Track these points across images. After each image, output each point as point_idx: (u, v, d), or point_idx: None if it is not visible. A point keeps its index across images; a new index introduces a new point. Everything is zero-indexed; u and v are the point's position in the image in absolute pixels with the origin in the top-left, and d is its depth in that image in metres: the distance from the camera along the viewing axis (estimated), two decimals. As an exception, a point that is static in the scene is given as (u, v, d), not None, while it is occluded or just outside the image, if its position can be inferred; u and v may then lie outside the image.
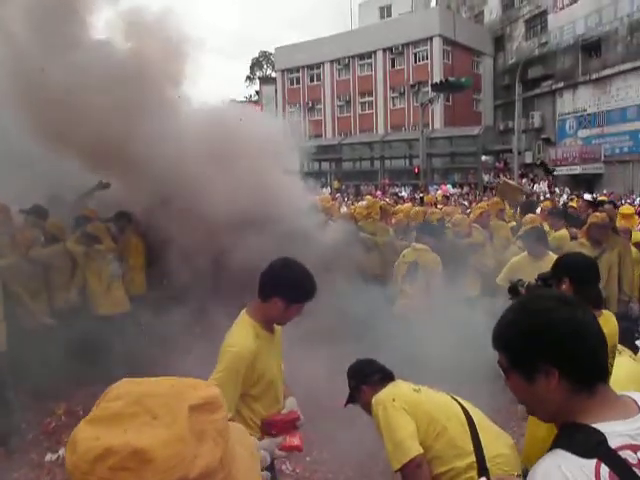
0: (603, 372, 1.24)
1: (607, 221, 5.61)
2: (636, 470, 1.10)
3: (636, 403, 1.23)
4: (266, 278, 2.52)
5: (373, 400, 2.64)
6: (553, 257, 5.15)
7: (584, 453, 1.12)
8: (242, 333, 2.50)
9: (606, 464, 1.10)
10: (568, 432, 1.21)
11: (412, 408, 2.52)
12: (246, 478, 0.81)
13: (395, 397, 2.58)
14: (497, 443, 2.53)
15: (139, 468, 0.68)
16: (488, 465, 2.40)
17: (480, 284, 6.00)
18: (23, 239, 5.40)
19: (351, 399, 2.91)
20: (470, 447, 2.45)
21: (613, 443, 1.13)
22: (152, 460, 0.68)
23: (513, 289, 2.97)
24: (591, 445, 1.13)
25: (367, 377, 2.82)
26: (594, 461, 1.10)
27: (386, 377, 2.83)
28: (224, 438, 0.77)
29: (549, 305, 1.28)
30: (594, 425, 1.16)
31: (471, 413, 2.59)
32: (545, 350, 1.23)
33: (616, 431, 1.14)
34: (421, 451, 2.40)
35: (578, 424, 1.19)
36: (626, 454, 1.11)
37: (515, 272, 5.21)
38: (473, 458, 2.43)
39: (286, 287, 2.46)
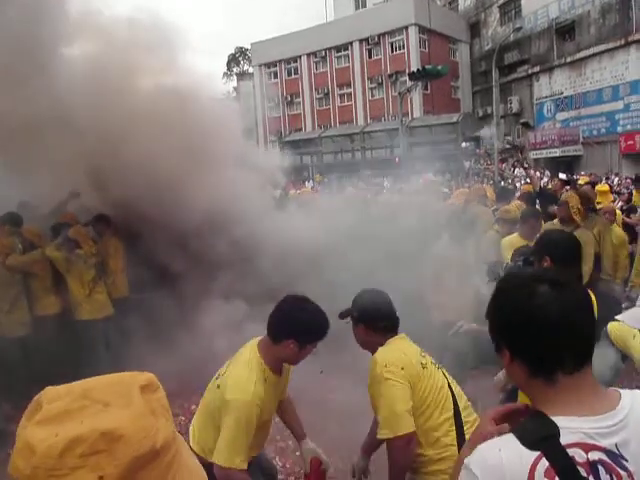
0: (565, 361, 1.12)
1: (565, 199, 5.67)
2: (581, 469, 1.04)
3: (620, 399, 1.14)
4: (277, 319, 2.45)
5: (378, 358, 2.39)
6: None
7: (529, 444, 1.07)
8: (252, 379, 2.36)
9: (548, 459, 1.04)
10: (527, 418, 1.17)
11: (414, 384, 2.34)
12: (188, 456, 0.85)
13: (404, 366, 2.34)
14: None
15: (111, 447, 0.70)
16: None
17: None
18: (0, 247, 5.31)
19: (346, 316, 2.64)
20: (450, 440, 2.32)
21: (565, 439, 1.06)
22: (122, 436, 0.71)
23: (492, 272, 2.95)
24: (539, 437, 1.08)
25: (372, 321, 2.52)
26: (536, 454, 1.06)
27: (391, 328, 2.54)
28: (170, 414, 0.83)
29: (519, 282, 1.22)
30: (553, 417, 1.10)
31: (459, 404, 2.42)
32: (498, 329, 1.20)
33: (572, 427, 1.08)
34: (414, 429, 2.28)
35: (538, 412, 1.14)
36: (575, 452, 1.05)
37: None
38: (452, 451, 2.27)
39: (300, 329, 2.40)
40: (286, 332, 2.39)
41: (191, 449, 0.99)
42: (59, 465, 0.69)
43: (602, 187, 8.36)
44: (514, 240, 5.22)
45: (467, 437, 2.24)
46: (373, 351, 2.48)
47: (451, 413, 2.37)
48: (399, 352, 2.42)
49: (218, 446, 2.30)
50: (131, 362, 4.87)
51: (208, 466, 2.22)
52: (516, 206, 6.40)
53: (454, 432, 2.33)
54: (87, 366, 5.07)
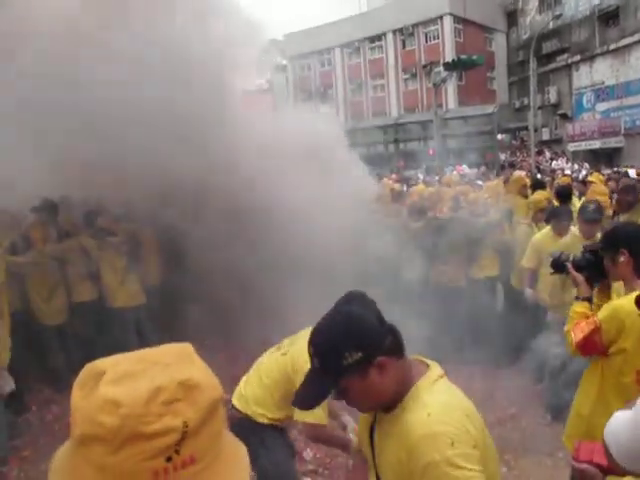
0: None
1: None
2: None
3: None
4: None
5: (436, 428, 1.42)
6: (575, 232, 5.05)
7: None
8: None
9: None
10: None
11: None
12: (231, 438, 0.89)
13: (476, 442, 1.45)
14: None
15: (188, 395, 0.77)
16: None
17: (499, 263, 5.91)
18: (37, 236, 5.44)
19: (332, 384, 1.50)
20: None
21: None
22: (197, 385, 0.78)
23: (557, 263, 2.80)
24: None
25: (382, 343, 1.49)
26: None
27: (401, 344, 1.56)
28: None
29: None
30: None
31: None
32: None
33: None
34: None
35: None
36: None
37: (539, 251, 5.10)
38: None
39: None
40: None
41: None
42: (146, 412, 0.74)
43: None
44: (543, 238, 5.11)
45: None
46: (396, 401, 1.53)
47: None
48: (458, 411, 1.49)
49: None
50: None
51: (243, 419, 2.69)
52: (544, 195, 6.23)
53: None
54: (119, 352, 5.16)
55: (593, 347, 2.43)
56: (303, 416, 2.51)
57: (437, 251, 5.98)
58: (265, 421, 2.71)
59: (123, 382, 0.76)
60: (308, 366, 1.58)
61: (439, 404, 1.48)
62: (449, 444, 1.39)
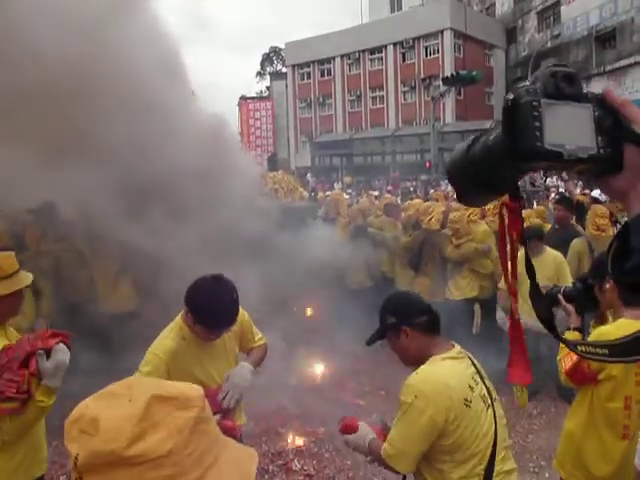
0: None
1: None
2: None
3: None
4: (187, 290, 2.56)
5: (412, 381, 2.11)
6: (551, 252, 5.11)
7: None
8: (164, 334, 2.62)
9: None
10: None
11: (448, 428, 2.04)
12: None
13: (437, 408, 2.03)
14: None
15: (90, 435, 0.79)
16: None
17: (478, 285, 5.91)
18: (33, 236, 5.46)
19: (379, 336, 2.32)
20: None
21: None
22: (98, 429, 0.78)
23: (551, 298, 2.67)
24: None
25: (413, 318, 2.23)
26: None
27: (434, 325, 2.26)
28: (182, 435, 0.81)
29: None
30: None
31: (497, 456, 2.15)
32: None
33: None
34: (410, 472, 2.17)
35: None
36: None
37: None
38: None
39: (189, 305, 2.51)
40: (185, 302, 2.54)
41: None
42: (69, 430, 0.82)
43: None
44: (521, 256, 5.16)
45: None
46: (420, 363, 2.19)
47: (484, 465, 2.11)
48: (440, 382, 2.08)
49: None
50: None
51: None
52: (537, 212, 6.21)
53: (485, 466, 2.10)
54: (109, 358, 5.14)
55: (582, 374, 2.46)
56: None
57: (420, 264, 6.10)
58: None
59: (99, 399, 0.90)
60: None
61: (429, 370, 2.12)
62: (414, 395, 2.05)
